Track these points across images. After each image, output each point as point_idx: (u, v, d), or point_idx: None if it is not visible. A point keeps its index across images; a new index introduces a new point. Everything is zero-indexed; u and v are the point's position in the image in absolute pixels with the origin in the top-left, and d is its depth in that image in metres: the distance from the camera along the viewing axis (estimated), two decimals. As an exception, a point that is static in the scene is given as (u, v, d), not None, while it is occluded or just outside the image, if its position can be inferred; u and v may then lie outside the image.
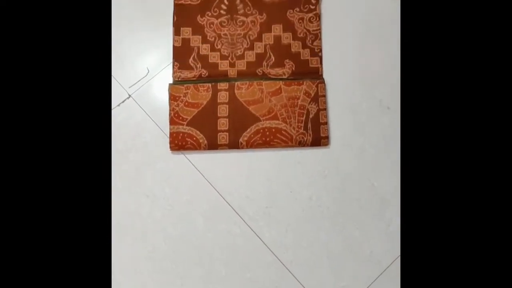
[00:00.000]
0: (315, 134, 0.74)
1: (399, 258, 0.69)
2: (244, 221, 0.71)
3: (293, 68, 0.77)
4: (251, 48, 0.78)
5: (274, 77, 0.76)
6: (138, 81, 0.77)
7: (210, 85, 0.75)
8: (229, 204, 0.72)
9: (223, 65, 0.77)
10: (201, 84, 0.75)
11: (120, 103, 0.76)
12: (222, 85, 0.75)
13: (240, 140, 0.73)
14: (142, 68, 0.77)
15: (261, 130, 0.73)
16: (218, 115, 0.74)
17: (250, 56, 0.77)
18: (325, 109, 0.75)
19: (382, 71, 0.77)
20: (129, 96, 0.76)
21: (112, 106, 0.75)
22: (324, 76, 0.77)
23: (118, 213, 0.71)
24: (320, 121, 0.74)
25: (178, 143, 0.73)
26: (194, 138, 0.73)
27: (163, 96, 0.76)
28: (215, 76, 0.76)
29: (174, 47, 0.78)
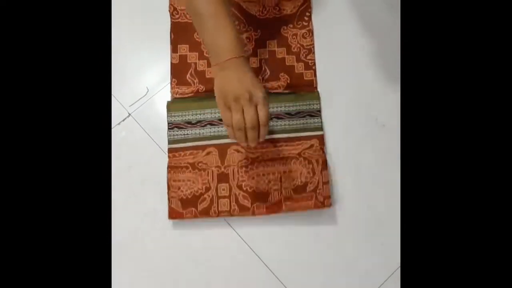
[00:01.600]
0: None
1: (393, 274, 0.71)
2: (241, 238, 0.72)
3: (288, 81, 0.78)
4: None
5: (269, 90, 0.77)
6: (138, 100, 0.78)
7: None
8: (227, 222, 0.73)
9: None
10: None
11: (121, 122, 0.77)
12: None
13: None
14: (142, 87, 0.79)
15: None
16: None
17: None
18: (326, 168, 0.73)
19: (377, 89, 0.78)
20: (129, 114, 0.78)
21: (113, 125, 0.77)
22: (320, 95, 0.78)
23: (118, 231, 0.71)
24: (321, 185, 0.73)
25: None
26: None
27: (163, 115, 0.77)
28: (212, 91, 0.77)
29: (171, 64, 0.79)
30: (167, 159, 0.74)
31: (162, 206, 0.73)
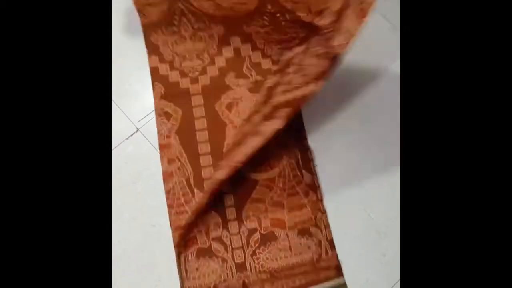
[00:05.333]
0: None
1: (395, 286, 0.72)
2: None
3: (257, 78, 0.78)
4: (212, 63, 0.80)
5: (237, 87, 0.77)
6: (146, 115, 0.81)
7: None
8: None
9: (184, 83, 0.80)
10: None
11: (129, 137, 0.80)
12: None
13: None
14: (150, 103, 0.82)
15: None
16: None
17: (213, 70, 0.79)
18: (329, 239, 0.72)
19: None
20: (137, 129, 0.80)
21: (121, 140, 0.79)
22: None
23: (124, 243, 0.73)
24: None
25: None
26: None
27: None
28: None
29: (150, 68, 0.82)
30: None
31: (167, 217, 0.74)
